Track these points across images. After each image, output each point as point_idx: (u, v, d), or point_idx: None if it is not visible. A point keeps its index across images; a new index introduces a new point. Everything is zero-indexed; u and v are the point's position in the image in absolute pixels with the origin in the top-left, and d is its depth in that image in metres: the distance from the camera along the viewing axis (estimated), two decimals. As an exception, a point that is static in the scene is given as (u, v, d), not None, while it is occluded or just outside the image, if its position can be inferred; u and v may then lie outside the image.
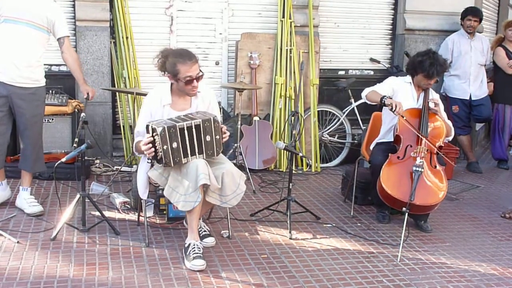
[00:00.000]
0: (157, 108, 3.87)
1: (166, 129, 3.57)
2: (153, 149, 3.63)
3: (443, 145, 4.57)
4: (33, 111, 4.43)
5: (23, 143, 4.50)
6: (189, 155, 3.71)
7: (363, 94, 4.66)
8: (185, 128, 3.66)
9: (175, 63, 3.74)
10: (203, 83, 3.94)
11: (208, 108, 4.01)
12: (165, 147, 3.59)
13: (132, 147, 4.00)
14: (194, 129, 3.70)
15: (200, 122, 3.71)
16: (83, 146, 4.03)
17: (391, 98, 4.44)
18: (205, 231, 4.02)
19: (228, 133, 3.89)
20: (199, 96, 3.94)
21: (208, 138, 3.75)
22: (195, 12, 6.41)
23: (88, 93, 4.60)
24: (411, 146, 4.44)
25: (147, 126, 3.67)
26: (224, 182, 3.73)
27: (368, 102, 4.66)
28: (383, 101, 4.40)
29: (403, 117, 4.39)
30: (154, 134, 3.61)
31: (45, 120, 5.47)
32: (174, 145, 3.62)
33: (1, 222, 4.26)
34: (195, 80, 3.76)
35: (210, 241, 3.99)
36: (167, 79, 3.87)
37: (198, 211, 3.72)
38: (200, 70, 3.80)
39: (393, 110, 4.33)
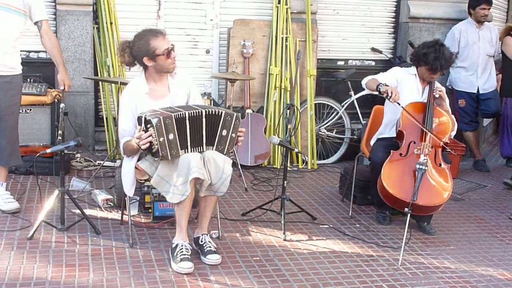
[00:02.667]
0: (138, 99, 3.89)
1: (161, 120, 3.57)
2: (148, 139, 3.62)
3: (448, 141, 4.58)
4: (9, 100, 4.41)
5: None
6: (189, 146, 3.71)
7: (363, 82, 4.68)
8: (187, 118, 3.66)
9: (148, 41, 3.83)
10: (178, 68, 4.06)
11: (190, 96, 4.04)
12: (161, 139, 3.59)
13: (120, 149, 3.98)
14: (204, 119, 3.72)
15: (222, 114, 3.75)
16: (72, 143, 4.02)
17: (387, 85, 4.44)
18: (210, 247, 3.83)
19: (243, 136, 3.93)
20: (175, 77, 4.01)
21: (224, 132, 3.78)
22: (185, -4, 6.40)
23: (64, 84, 4.56)
24: (414, 143, 4.44)
25: (139, 118, 3.68)
26: (209, 171, 3.72)
27: (367, 91, 4.68)
28: (378, 88, 4.42)
29: (399, 104, 4.40)
30: (148, 126, 3.60)
31: (22, 111, 5.45)
32: (171, 136, 3.61)
33: (-26, 219, 4.25)
34: (172, 51, 3.88)
35: (214, 258, 3.77)
36: (140, 69, 3.97)
37: (187, 207, 3.72)
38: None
39: (388, 97, 4.34)
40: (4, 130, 4.43)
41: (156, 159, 3.75)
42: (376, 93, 4.52)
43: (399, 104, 4.40)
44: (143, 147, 3.66)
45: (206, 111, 3.73)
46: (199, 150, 3.77)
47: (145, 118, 3.62)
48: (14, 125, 4.51)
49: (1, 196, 4.51)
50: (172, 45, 3.90)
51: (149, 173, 3.89)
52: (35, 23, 4.48)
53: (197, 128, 3.73)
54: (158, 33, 3.90)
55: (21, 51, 4.60)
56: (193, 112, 3.69)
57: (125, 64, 4.00)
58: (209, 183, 3.72)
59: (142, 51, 3.84)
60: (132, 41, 3.92)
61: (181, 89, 4.02)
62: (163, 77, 3.97)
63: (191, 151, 3.72)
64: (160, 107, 3.78)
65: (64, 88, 4.56)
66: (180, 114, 3.65)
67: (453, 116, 4.75)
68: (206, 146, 3.78)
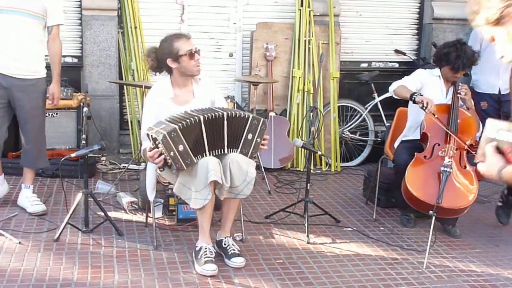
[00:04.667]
0: (161, 103, 3.91)
1: (167, 135, 3.53)
2: (162, 157, 3.61)
3: (474, 143, 4.52)
4: (33, 103, 4.46)
5: (24, 138, 4.53)
6: (207, 150, 3.69)
7: (391, 88, 4.65)
8: (202, 122, 3.64)
9: (171, 43, 3.87)
10: (204, 74, 4.09)
11: (215, 103, 4.03)
12: (171, 153, 3.56)
13: (141, 153, 4.00)
14: (226, 121, 3.70)
15: (249, 118, 3.75)
16: (95, 146, 4.06)
17: (421, 95, 4.40)
18: (233, 250, 3.82)
19: (266, 144, 3.91)
20: (200, 84, 4.02)
21: (250, 136, 3.77)
22: (208, 0, 6.41)
23: (53, 96, 4.54)
24: (439, 145, 4.40)
25: (147, 135, 3.67)
26: (232, 173, 3.70)
27: (396, 97, 4.65)
28: (413, 98, 4.37)
29: (434, 115, 4.35)
30: (156, 142, 3.59)
31: (49, 115, 5.53)
32: (180, 148, 3.58)
33: (2, 221, 4.30)
34: (196, 53, 3.88)
35: (238, 261, 3.76)
36: (165, 74, 4.01)
37: (209, 211, 3.72)
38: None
39: (424, 108, 4.30)
40: (29, 133, 4.49)
41: (173, 171, 3.76)
42: (407, 100, 4.49)
43: (434, 115, 4.35)
44: (158, 165, 3.66)
45: (228, 113, 3.71)
46: (220, 152, 3.75)
47: (151, 136, 3.61)
48: (39, 128, 4.56)
49: (28, 199, 4.56)
50: (196, 48, 3.91)
51: (170, 181, 3.91)
52: (47, 27, 4.49)
53: (216, 131, 3.70)
54: (181, 35, 3.96)
55: (47, 55, 4.65)
56: (211, 115, 3.66)
57: (151, 69, 4.05)
58: (228, 186, 3.70)
59: (165, 53, 3.87)
60: (157, 45, 3.97)
61: (205, 96, 4.02)
62: (187, 82, 3.98)
63: (210, 154, 3.71)
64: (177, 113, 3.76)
65: (53, 101, 4.56)
66: (190, 121, 3.60)
67: (477, 116, 4.69)
68: (227, 148, 3.76)
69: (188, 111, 3.74)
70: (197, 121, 3.63)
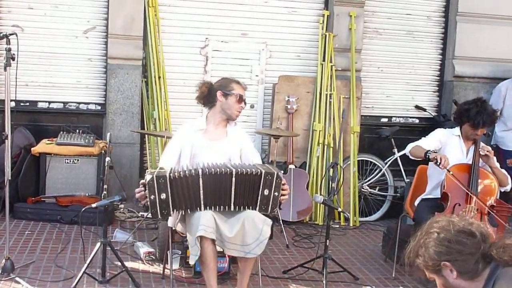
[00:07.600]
0: (192, 136, 4.00)
1: (154, 178, 3.54)
2: (143, 194, 3.61)
3: (495, 204, 4.47)
4: None
5: None
6: (202, 205, 3.62)
7: (407, 150, 4.64)
8: (201, 176, 3.60)
9: (230, 81, 4.10)
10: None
11: (243, 151, 4.07)
12: (152, 197, 3.55)
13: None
14: (234, 178, 3.65)
15: (262, 174, 3.68)
16: (116, 197, 4.08)
17: (435, 152, 4.39)
18: None
19: (287, 195, 3.86)
20: (234, 128, 4.14)
21: (266, 192, 3.71)
22: (231, 52, 6.52)
23: None
24: (459, 205, 4.35)
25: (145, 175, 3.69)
26: (245, 229, 3.65)
27: (412, 158, 4.63)
28: (427, 156, 4.36)
29: (449, 171, 4.33)
30: (144, 183, 3.61)
31: (70, 161, 5.58)
32: (163, 196, 3.55)
33: (19, 268, 4.28)
34: (244, 102, 4.05)
35: None
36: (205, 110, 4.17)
37: (210, 265, 3.64)
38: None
39: (438, 164, 4.27)
40: None
41: (147, 215, 3.76)
42: (423, 159, 4.47)
43: (449, 171, 4.33)
44: (137, 197, 3.68)
45: (237, 170, 3.66)
46: (224, 209, 3.69)
47: (145, 175, 3.65)
48: None
49: None
50: (245, 98, 4.10)
51: (184, 233, 3.91)
52: None
53: (220, 186, 3.66)
54: (242, 83, 4.15)
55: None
56: (214, 171, 3.63)
57: (199, 97, 4.13)
58: (231, 237, 3.60)
59: (220, 86, 4.06)
60: (216, 81, 4.17)
61: (237, 140, 4.10)
62: (223, 122, 4.08)
63: (206, 209, 3.64)
64: (213, 150, 3.87)
65: None
66: (185, 172, 3.60)
67: (504, 171, 4.64)
68: (234, 205, 3.69)
69: (201, 164, 3.74)
70: (194, 174, 3.61)
